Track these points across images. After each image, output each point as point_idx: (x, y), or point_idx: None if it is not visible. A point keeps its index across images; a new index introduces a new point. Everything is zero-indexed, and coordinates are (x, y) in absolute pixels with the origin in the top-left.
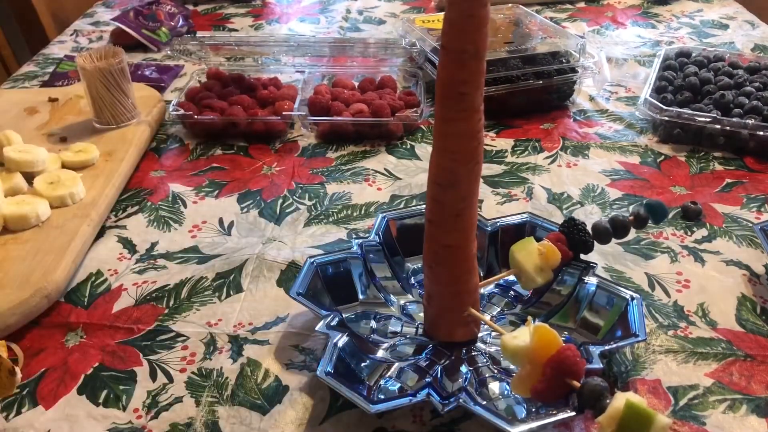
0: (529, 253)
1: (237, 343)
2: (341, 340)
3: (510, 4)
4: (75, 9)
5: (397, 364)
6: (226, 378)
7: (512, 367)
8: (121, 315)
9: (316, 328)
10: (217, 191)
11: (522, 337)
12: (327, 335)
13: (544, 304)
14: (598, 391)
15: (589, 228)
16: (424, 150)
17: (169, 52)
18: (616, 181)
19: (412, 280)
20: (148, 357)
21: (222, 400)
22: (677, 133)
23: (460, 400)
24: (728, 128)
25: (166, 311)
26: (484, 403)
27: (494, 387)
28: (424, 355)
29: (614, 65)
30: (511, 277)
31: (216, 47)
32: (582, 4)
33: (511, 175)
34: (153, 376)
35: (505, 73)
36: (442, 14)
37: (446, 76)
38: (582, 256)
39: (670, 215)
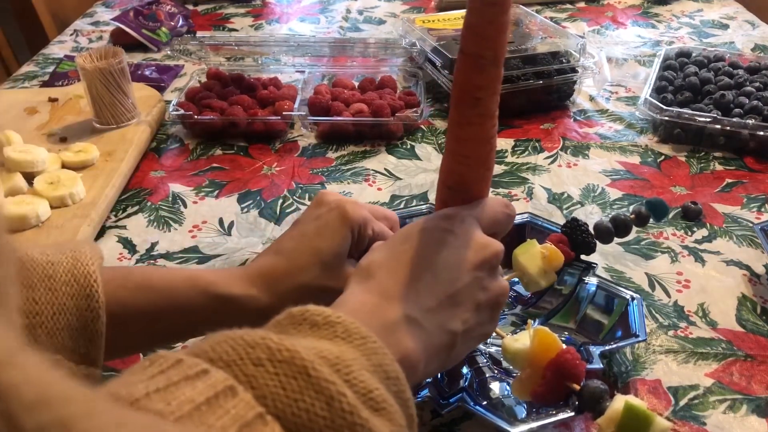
0: (532, 256)
1: None
2: None
3: None
4: (75, 9)
5: None
6: None
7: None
8: None
9: None
10: (217, 191)
11: (522, 340)
12: None
13: (544, 304)
14: (597, 394)
15: (590, 228)
16: (424, 150)
17: (169, 52)
18: (616, 181)
19: None
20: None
21: None
22: (677, 133)
23: (460, 401)
24: (728, 128)
25: None
26: (484, 403)
27: (494, 387)
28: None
29: (614, 65)
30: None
31: (216, 47)
32: (582, 4)
33: (511, 175)
34: None
35: (505, 73)
36: (442, 14)
37: (463, 81)
38: (583, 257)
39: (671, 215)
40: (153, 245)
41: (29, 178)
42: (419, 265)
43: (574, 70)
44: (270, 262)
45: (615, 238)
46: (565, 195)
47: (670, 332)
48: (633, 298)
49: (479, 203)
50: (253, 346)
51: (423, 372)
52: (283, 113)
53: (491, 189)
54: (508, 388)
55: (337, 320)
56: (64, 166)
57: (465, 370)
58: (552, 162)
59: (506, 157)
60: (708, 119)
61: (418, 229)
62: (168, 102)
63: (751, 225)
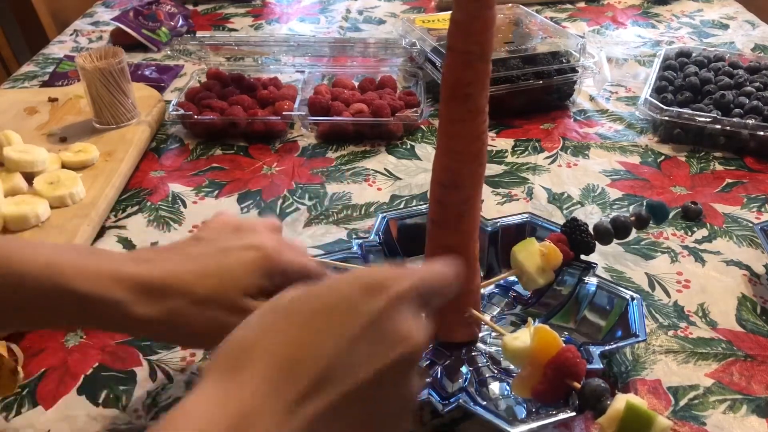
0: (530, 253)
1: None
2: None
3: (510, 4)
4: (75, 9)
5: None
6: None
7: (512, 367)
8: None
9: None
10: (217, 191)
11: (523, 338)
12: None
13: (544, 304)
14: (599, 392)
15: (590, 229)
16: (424, 150)
17: (169, 52)
18: (616, 181)
19: None
20: (148, 357)
21: None
22: (677, 133)
23: (460, 401)
24: (728, 128)
25: None
26: (485, 403)
27: (494, 387)
28: (424, 355)
29: (614, 65)
30: (512, 278)
31: (216, 47)
32: (582, 4)
33: (511, 175)
34: (153, 377)
35: (505, 73)
36: (442, 14)
37: (452, 77)
38: (582, 256)
39: (671, 215)
40: (153, 245)
41: (29, 178)
42: (314, 351)
43: (574, 70)
44: (159, 269)
45: (614, 239)
46: (565, 195)
47: (670, 332)
48: (633, 298)
49: (423, 269)
50: None
51: None
52: (283, 113)
53: (491, 189)
54: (508, 388)
55: None
56: (64, 166)
57: (465, 370)
58: (552, 162)
59: (506, 157)
60: (708, 119)
61: (326, 299)
62: (168, 102)
63: (751, 225)
